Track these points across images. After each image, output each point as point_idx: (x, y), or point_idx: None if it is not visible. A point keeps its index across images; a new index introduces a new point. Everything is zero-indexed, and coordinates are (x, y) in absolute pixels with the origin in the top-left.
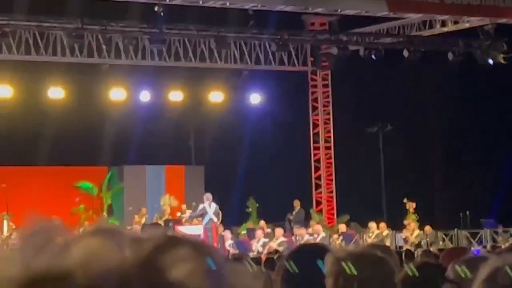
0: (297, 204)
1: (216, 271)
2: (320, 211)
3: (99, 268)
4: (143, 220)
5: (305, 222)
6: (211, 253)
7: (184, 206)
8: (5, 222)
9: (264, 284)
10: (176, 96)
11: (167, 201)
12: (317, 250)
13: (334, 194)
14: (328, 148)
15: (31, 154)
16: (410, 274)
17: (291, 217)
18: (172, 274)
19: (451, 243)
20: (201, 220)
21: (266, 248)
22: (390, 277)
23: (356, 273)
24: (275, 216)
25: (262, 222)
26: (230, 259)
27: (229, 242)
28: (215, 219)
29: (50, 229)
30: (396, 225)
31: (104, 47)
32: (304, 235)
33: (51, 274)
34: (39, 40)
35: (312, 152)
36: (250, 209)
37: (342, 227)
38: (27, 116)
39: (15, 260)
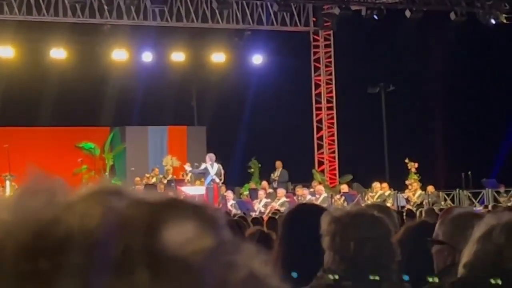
0: (279, 165)
1: (217, 244)
2: (322, 171)
3: (93, 226)
4: (153, 180)
5: (289, 183)
6: (215, 224)
7: (187, 166)
8: (7, 182)
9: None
10: (178, 56)
11: (169, 162)
12: (315, 210)
13: (336, 154)
14: (330, 108)
15: (33, 114)
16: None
17: (275, 178)
18: (169, 241)
19: (453, 203)
20: (203, 180)
21: (268, 208)
22: (387, 237)
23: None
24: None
25: (264, 183)
26: (234, 235)
27: (231, 202)
28: (217, 180)
29: (51, 185)
30: (399, 185)
31: (105, 7)
32: (306, 195)
33: (41, 222)
34: (40, 0)
35: (314, 112)
36: (252, 170)
37: (344, 187)
38: (29, 77)
39: (10, 206)
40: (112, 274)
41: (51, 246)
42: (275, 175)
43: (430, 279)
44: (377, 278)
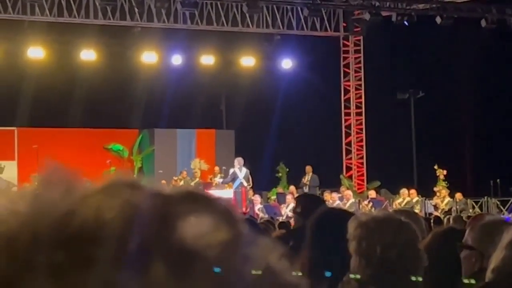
0: (309, 170)
1: (234, 237)
2: (350, 177)
3: (109, 218)
4: (181, 183)
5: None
6: (231, 217)
7: (217, 168)
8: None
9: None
10: (207, 60)
11: (198, 165)
12: (342, 215)
13: (364, 160)
14: (359, 114)
15: (63, 116)
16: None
17: (306, 182)
18: (185, 233)
19: (481, 211)
20: (231, 184)
21: None
22: (413, 242)
23: None
24: None
25: (292, 187)
26: (254, 230)
27: (258, 207)
28: (245, 183)
29: (68, 177)
30: (427, 192)
31: (136, 10)
32: (335, 199)
33: (57, 214)
34: (71, 2)
35: (343, 118)
36: (280, 174)
37: (372, 193)
38: (59, 78)
39: (27, 198)
40: (128, 267)
41: (66, 238)
42: (306, 179)
43: (466, 281)
44: (420, 279)
